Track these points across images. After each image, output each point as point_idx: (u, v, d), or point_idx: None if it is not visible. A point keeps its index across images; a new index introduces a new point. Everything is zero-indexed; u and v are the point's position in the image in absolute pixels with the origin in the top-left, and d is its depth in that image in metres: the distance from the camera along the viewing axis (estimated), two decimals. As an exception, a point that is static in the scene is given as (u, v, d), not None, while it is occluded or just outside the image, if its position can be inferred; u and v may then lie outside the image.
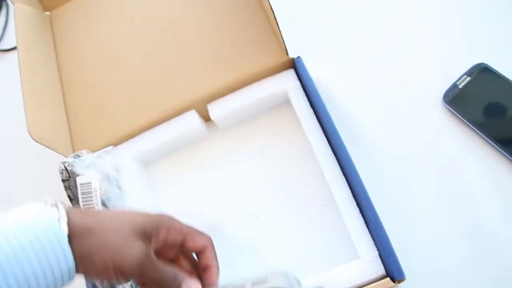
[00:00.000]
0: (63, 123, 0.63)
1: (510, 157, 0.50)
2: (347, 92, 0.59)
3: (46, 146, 0.56)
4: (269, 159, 0.57)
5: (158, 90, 0.60)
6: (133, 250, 0.37)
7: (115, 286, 0.51)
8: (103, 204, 0.56)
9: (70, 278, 0.36)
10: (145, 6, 0.66)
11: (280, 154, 0.57)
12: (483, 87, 0.53)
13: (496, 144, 0.51)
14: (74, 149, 0.61)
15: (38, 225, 0.35)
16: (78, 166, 0.56)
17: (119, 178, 0.58)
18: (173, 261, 0.45)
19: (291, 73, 0.56)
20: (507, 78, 0.53)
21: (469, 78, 0.54)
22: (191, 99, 0.58)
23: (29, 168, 0.71)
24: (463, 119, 0.53)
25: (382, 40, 0.60)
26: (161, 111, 0.59)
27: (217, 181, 0.59)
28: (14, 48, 0.83)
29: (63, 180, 0.56)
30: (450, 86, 0.54)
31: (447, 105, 0.54)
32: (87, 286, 0.52)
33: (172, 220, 0.43)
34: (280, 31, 0.52)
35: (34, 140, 0.54)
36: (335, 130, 0.50)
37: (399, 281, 0.43)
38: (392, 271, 0.43)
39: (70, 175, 0.56)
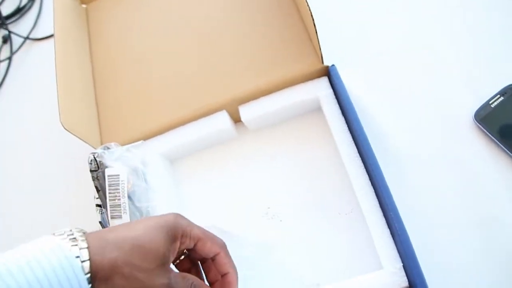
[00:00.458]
0: (93, 115, 0.64)
1: (539, 179, 0.50)
2: (379, 104, 0.59)
3: (77, 136, 0.56)
4: (296, 164, 0.58)
5: (189, 88, 0.61)
6: (156, 284, 0.37)
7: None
8: (129, 197, 0.56)
9: None
10: (181, 5, 0.67)
11: (308, 160, 0.57)
12: (515, 108, 0.53)
13: (525, 166, 0.51)
14: (102, 141, 0.62)
15: (60, 269, 0.34)
16: (107, 158, 0.57)
17: (146, 172, 0.58)
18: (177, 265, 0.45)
19: (324, 80, 0.57)
20: (540, 101, 0.53)
21: (502, 98, 0.54)
22: (222, 100, 0.58)
23: (57, 157, 0.72)
24: (493, 138, 0.53)
25: (417, 56, 0.61)
26: (192, 109, 0.59)
27: (243, 182, 0.59)
28: (46, 37, 0.85)
29: (91, 171, 0.57)
30: (482, 105, 0.54)
31: (478, 124, 0.54)
32: None
33: (184, 226, 0.41)
34: (317, 38, 0.52)
35: (66, 129, 0.55)
36: (366, 139, 0.50)
37: (423, 294, 0.43)
38: (416, 284, 0.43)
39: (99, 166, 0.56)
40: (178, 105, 0.60)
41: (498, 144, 0.53)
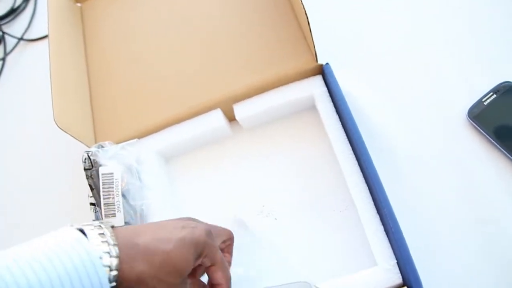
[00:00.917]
0: (88, 113, 0.64)
1: (532, 176, 0.50)
2: (373, 102, 0.59)
3: (71, 135, 0.56)
4: (291, 162, 0.58)
5: (184, 86, 0.61)
6: None
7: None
8: (123, 195, 0.56)
9: None
10: (176, 4, 0.67)
11: (302, 158, 0.57)
12: (508, 105, 0.54)
13: (518, 162, 0.51)
14: (97, 140, 0.62)
15: (84, 268, 0.33)
16: (101, 156, 0.57)
17: (141, 170, 0.58)
18: None
19: (318, 79, 0.57)
20: (533, 99, 0.53)
21: (494, 95, 0.54)
22: (217, 98, 0.58)
23: (51, 156, 0.72)
24: (486, 135, 0.53)
25: (410, 54, 0.61)
26: (186, 107, 0.59)
27: (237, 180, 0.59)
28: (40, 38, 0.84)
29: (85, 169, 0.56)
30: (475, 103, 0.55)
31: (471, 121, 0.54)
32: None
33: (212, 247, 0.42)
34: (312, 37, 0.52)
35: (60, 128, 0.54)
36: (360, 137, 0.50)
37: (417, 291, 0.43)
38: (410, 281, 0.44)
39: (93, 165, 0.56)
40: (172, 103, 0.60)
41: (491, 142, 0.53)
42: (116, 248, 0.36)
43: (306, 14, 0.50)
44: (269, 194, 0.57)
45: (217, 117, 0.58)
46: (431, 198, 0.53)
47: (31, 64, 0.83)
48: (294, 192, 0.56)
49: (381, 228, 0.48)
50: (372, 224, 0.49)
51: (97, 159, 0.56)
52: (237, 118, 0.58)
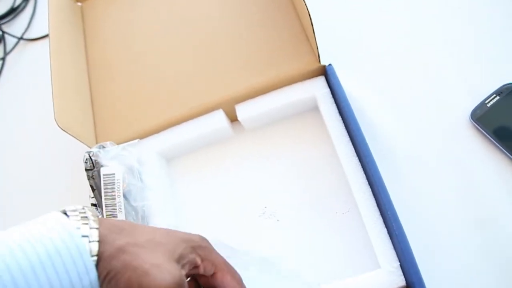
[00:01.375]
0: (89, 114, 0.63)
1: (535, 178, 0.50)
2: (376, 103, 0.59)
3: (71, 135, 0.56)
4: (293, 163, 0.57)
5: (186, 87, 0.60)
6: (165, 275, 0.35)
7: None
8: (124, 196, 0.56)
9: None
10: (177, 3, 0.67)
11: (304, 160, 0.57)
12: (511, 107, 0.54)
13: (521, 165, 0.51)
14: (97, 140, 0.62)
15: (64, 244, 0.33)
16: (102, 157, 0.56)
17: (142, 171, 0.58)
18: None
19: (321, 80, 0.57)
20: (536, 101, 0.53)
21: (498, 97, 0.54)
22: (219, 98, 0.58)
23: (51, 156, 0.72)
24: (489, 137, 0.53)
25: (414, 56, 0.61)
26: (188, 108, 0.59)
27: (239, 181, 0.59)
28: (40, 38, 0.84)
29: (86, 170, 0.56)
30: (478, 104, 0.55)
31: (474, 123, 0.54)
32: None
33: (209, 249, 0.41)
34: (315, 38, 0.52)
35: (60, 128, 0.54)
36: (363, 139, 0.50)
37: (420, 293, 0.43)
38: (414, 283, 0.43)
39: (94, 165, 0.56)
40: (174, 104, 0.60)
41: (494, 143, 0.53)
42: (96, 223, 0.35)
43: (309, 15, 0.50)
44: (271, 196, 0.57)
45: (219, 117, 0.58)
46: (431, 199, 0.53)
47: (31, 63, 0.83)
48: (297, 193, 0.56)
49: (384, 230, 0.48)
50: (375, 226, 0.48)
51: (99, 160, 0.56)
52: (239, 118, 0.58)
